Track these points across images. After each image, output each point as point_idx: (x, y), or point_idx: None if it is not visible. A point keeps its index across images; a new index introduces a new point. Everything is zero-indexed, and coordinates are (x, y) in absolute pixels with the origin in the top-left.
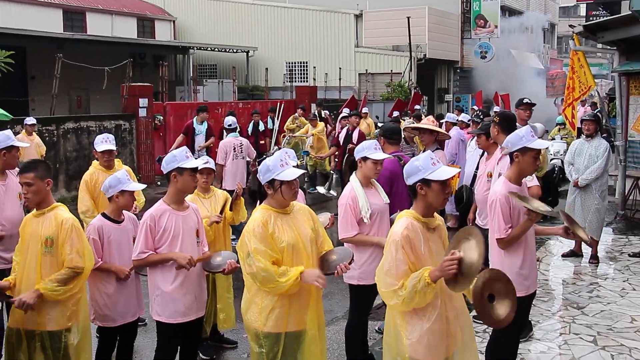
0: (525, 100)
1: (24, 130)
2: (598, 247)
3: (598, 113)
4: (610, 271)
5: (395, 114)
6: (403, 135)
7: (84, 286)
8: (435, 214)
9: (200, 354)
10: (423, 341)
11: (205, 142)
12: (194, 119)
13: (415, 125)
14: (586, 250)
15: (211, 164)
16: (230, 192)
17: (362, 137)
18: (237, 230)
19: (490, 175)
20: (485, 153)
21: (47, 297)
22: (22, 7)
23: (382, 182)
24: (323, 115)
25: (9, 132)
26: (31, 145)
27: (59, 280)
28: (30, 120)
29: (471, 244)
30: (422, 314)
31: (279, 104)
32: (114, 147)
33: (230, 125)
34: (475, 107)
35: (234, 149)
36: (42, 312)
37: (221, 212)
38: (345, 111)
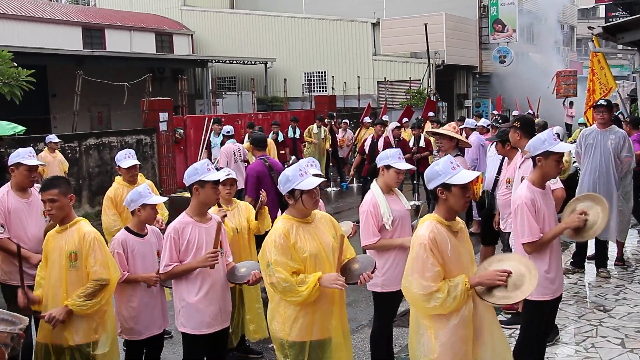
0: (599, 102)
1: (46, 148)
2: (623, 249)
3: (619, 115)
4: (636, 273)
5: (405, 120)
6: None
7: (110, 299)
8: (458, 217)
9: None
10: (451, 343)
11: None
12: (212, 132)
13: (435, 130)
14: (612, 253)
15: (233, 175)
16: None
17: (388, 145)
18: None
19: (509, 182)
20: (506, 158)
21: (76, 313)
22: (41, 25)
23: (250, 181)
24: (331, 126)
25: (24, 150)
26: (54, 163)
27: (85, 294)
28: (52, 137)
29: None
30: (449, 317)
31: (204, 118)
32: (137, 162)
33: (228, 132)
34: (495, 112)
35: (234, 153)
36: (69, 326)
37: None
38: (384, 117)
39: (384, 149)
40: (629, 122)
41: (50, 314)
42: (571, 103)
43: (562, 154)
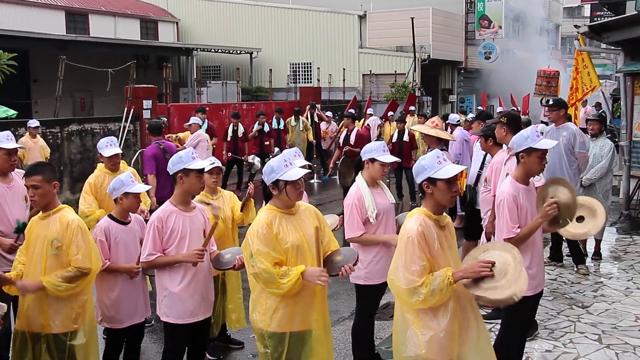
0: (549, 101)
1: (27, 133)
2: (602, 246)
3: (602, 113)
4: (614, 270)
5: (390, 113)
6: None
7: (90, 288)
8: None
9: (208, 355)
10: (438, 339)
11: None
12: None
13: (414, 128)
14: (590, 248)
15: (218, 164)
16: None
17: (359, 138)
18: None
19: (486, 180)
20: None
21: (48, 291)
22: (24, 9)
23: (147, 161)
24: (315, 118)
25: (1, 133)
26: (35, 148)
27: (63, 277)
28: (33, 122)
29: (498, 253)
30: (435, 312)
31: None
32: (119, 151)
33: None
34: (480, 108)
35: (207, 140)
36: (48, 314)
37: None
38: (369, 110)
39: (355, 142)
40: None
41: (23, 283)
42: (548, 102)
43: (545, 151)
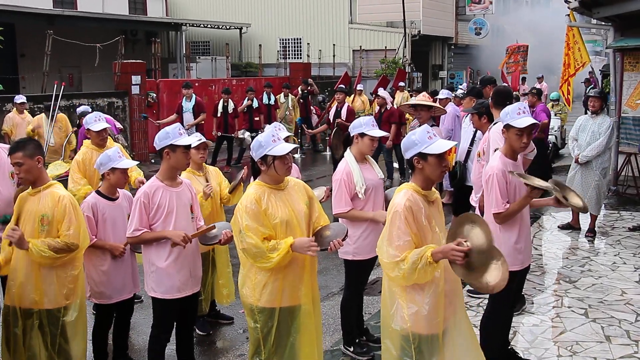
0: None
1: (14, 109)
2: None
3: (591, 90)
4: (601, 246)
5: (380, 89)
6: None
7: (80, 263)
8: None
9: (197, 330)
10: (423, 313)
11: (195, 119)
12: (184, 98)
13: (412, 102)
14: (583, 222)
15: (204, 140)
16: None
17: (351, 113)
18: None
19: (479, 155)
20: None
21: (30, 253)
22: None
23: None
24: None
25: None
26: (23, 124)
27: (50, 245)
28: (19, 98)
29: (477, 233)
30: (422, 286)
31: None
32: (108, 125)
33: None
34: (464, 85)
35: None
36: (41, 290)
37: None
38: (359, 86)
39: (346, 118)
40: (534, 93)
41: (13, 233)
42: (523, 79)
43: (522, 129)
